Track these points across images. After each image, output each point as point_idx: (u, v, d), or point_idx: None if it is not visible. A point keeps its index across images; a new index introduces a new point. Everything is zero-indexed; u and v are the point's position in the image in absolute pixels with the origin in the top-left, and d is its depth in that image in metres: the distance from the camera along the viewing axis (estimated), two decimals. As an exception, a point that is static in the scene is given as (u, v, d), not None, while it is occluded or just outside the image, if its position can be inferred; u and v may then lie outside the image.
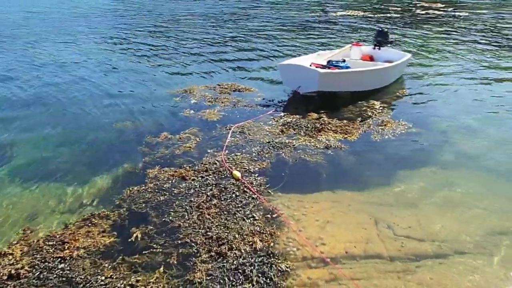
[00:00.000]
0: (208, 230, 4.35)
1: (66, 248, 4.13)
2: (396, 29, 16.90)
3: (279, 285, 3.78)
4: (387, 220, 4.79)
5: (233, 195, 5.02)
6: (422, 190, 5.51)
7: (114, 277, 3.85)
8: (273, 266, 3.98)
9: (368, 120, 7.58)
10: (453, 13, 21.24)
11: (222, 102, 8.47)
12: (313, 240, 4.38)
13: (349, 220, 4.76)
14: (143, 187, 5.31)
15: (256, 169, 5.83)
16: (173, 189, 5.23)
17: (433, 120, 7.80)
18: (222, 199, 4.94)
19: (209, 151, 6.36)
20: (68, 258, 4.08)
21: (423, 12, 21.24)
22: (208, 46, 14.48)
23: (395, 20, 19.09)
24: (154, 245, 4.23)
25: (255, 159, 6.12)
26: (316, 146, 6.56)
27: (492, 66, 11.62)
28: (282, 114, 7.85)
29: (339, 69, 8.87)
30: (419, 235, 4.56)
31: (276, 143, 6.60)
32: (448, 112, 8.16)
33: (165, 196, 5.07)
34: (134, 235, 4.38)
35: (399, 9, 22.20)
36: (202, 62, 12.29)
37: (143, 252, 4.17)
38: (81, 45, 14.92)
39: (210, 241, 4.21)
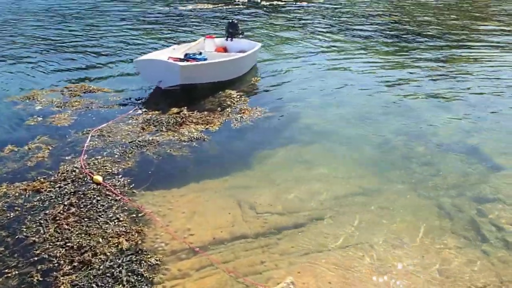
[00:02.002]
0: (67, 240, 4.14)
1: None
2: (246, 20, 17.64)
3: (150, 279, 3.80)
4: (249, 201, 5.08)
5: (94, 201, 4.83)
6: (280, 168, 5.97)
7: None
8: (143, 262, 3.97)
9: (228, 109, 7.87)
10: (297, 3, 22.90)
11: (73, 106, 7.90)
12: (181, 232, 4.46)
13: (214, 207, 4.94)
14: (-12, 209, 4.79)
15: (120, 170, 5.68)
16: (25, 204, 4.83)
17: (287, 103, 8.42)
18: (82, 206, 4.72)
19: (66, 158, 5.98)
20: None
21: (269, 3, 22.47)
22: (52, 46, 13.23)
23: (244, 11, 19.86)
24: (7, 269, 3.88)
25: (118, 160, 5.94)
26: (180, 140, 6.61)
27: (335, 51, 12.89)
28: (142, 111, 7.71)
29: (197, 61, 9.00)
30: (279, 210, 4.94)
31: (139, 141, 6.49)
32: (299, 95, 8.87)
33: (16, 213, 4.66)
34: (-19, 263, 3.95)
35: (247, 1, 23.16)
36: (45, 64, 11.11)
37: (-5, 279, 3.80)
38: None
39: (71, 251, 4.01)
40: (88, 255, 3.92)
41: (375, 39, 14.80)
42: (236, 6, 21.29)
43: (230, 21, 11.51)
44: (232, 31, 11.06)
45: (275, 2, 22.72)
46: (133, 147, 6.32)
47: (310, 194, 5.29)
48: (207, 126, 7.16)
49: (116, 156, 6.06)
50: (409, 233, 4.60)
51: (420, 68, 11.04)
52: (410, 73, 10.58)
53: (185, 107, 7.86)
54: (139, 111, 7.71)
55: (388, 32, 16.15)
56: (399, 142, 6.77)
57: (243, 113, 7.71)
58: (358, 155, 6.40)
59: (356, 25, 17.27)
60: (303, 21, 17.82)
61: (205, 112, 7.73)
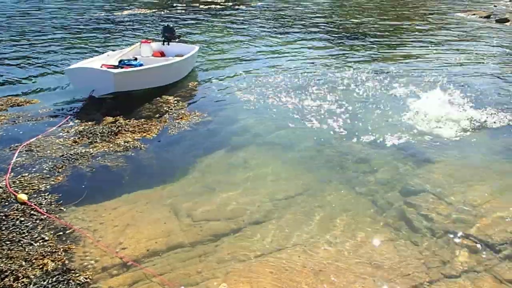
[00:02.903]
0: (-14, 267, 3.86)
1: None
2: (184, 24, 17.47)
3: (80, 299, 3.63)
4: (186, 209, 4.99)
5: (17, 222, 4.54)
6: (218, 173, 5.91)
7: None
8: (71, 282, 3.77)
9: (165, 116, 7.71)
10: (234, 6, 22.95)
11: (-2, 121, 7.42)
12: (113, 246, 4.29)
13: (149, 218, 4.81)
14: None
15: (48, 187, 5.38)
16: None
17: (225, 106, 8.39)
18: (3, 228, 4.42)
19: (-11, 177, 5.60)
20: None
21: (207, 7, 22.39)
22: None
23: (181, 15, 19.67)
24: None
25: (47, 176, 5.63)
26: (116, 150, 6.39)
27: (273, 53, 13.02)
28: (74, 123, 7.36)
29: (132, 67, 8.76)
30: (217, 216, 4.88)
31: (71, 155, 6.19)
32: (238, 98, 8.85)
33: None
34: None
35: (184, 5, 22.94)
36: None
37: None
38: None
39: (-10, 277, 3.75)
40: (9, 280, 3.67)
41: (311, 40, 15.12)
42: (174, 10, 21.02)
43: (166, 25, 11.32)
44: (169, 35, 10.88)
45: (213, 6, 22.67)
46: (64, 161, 6.02)
47: (248, 198, 5.27)
48: (144, 134, 6.98)
49: (45, 172, 5.74)
50: (344, 230, 4.69)
51: (355, 68, 11.38)
52: (346, 72, 10.85)
53: (121, 116, 7.62)
54: (71, 123, 7.37)
55: (324, 33, 16.55)
56: (334, 141, 6.91)
57: (181, 118, 7.58)
58: (295, 155, 6.47)
59: (293, 27, 17.58)
60: (241, 24, 17.91)
61: (142, 120, 7.52)
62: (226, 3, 23.70)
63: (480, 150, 6.62)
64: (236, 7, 22.67)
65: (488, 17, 20.82)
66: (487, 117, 7.77)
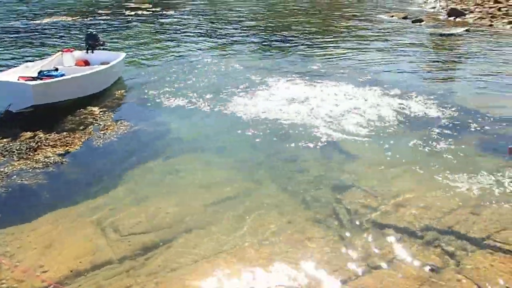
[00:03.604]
0: None
1: None
2: (108, 30, 16.89)
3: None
4: (114, 223, 4.79)
5: None
6: (148, 184, 5.75)
7: None
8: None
9: (90, 127, 7.37)
10: (162, 11, 22.59)
11: None
12: (32, 270, 4.01)
13: (73, 236, 4.56)
14: None
15: (-44, 213, 4.94)
16: None
17: (155, 114, 8.19)
18: None
19: None
20: None
21: (133, 13, 21.84)
22: None
23: (106, 22, 18.97)
24: None
25: (-44, 201, 5.18)
26: (34, 167, 6.00)
27: (203, 58, 12.91)
28: (-13, 141, 6.85)
29: (53, 78, 8.29)
30: (146, 228, 4.73)
31: (-17, 176, 5.74)
32: (167, 105, 8.65)
33: None
34: None
35: (109, 11, 22.19)
36: None
37: None
38: None
39: None
40: None
41: (242, 43, 15.22)
42: (98, 17, 20.22)
43: (89, 32, 10.87)
44: (92, 43, 10.44)
45: (140, 12, 22.13)
46: (-25, 183, 5.56)
47: (179, 207, 5.16)
48: (66, 148, 6.63)
49: (-46, 196, 5.28)
50: (277, 231, 4.72)
51: (285, 69, 11.57)
52: (274, 73, 11.00)
53: (40, 130, 7.18)
54: (-16, 141, 6.84)
55: (253, 36, 16.72)
56: (264, 143, 6.96)
57: (107, 129, 7.29)
58: (226, 159, 6.45)
59: (222, 31, 17.57)
60: (169, 29, 17.62)
61: (64, 133, 7.14)
62: (154, 9, 23.23)
63: (402, 142, 6.95)
64: (164, 12, 22.28)
65: (405, 18, 22.11)
66: (406, 110, 8.21)
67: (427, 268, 4.10)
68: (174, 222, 4.87)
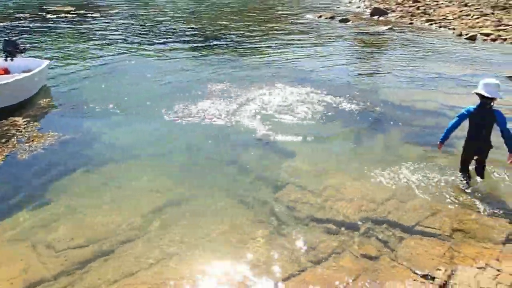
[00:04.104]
0: None
1: None
2: (29, 36, 15.93)
3: None
4: (46, 240, 4.54)
5: None
6: (81, 195, 5.47)
7: None
8: None
9: (13, 140, 6.90)
10: (87, 14, 21.72)
11: None
12: (-44, 298, 3.70)
13: (1, 257, 4.25)
14: None
15: None
16: None
17: (84, 123, 7.81)
18: None
19: None
20: None
21: (55, 16, 20.79)
22: None
23: (27, 26, 17.90)
24: None
25: None
26: (-48, 186, 5.53)
27: (134, 61, 12.58)
28: None
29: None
30: (82, 242, 4.53)
31: None
32: (97, 112, 8.33)
33: None
34: None
35: (30, 15, 20.90)
36: None
37: None
38: None
39: None
40: None
41: (174, 46, 14.99)
42: (17, 21, 19.00)
43: (6, 38, 10.16)
44: (11, 50, 9.76)
45: (63, 15, 21.09)
46: None
47: (116, 217, 4.99)
48: (-14, 164, 6.16)
49: None
50: (218, 234, 4.71)
51: (216, 71, 11.57)
52: (212, 77, 10.97)
53: (-44, 146, 6.63)
54: None
55: (187, 38, 16.55)
56: (202, 146, 6.91)
57: (33, 141, 6.87)
58: (164, 165, 6.32)
59: (153, 34, 17.27)
60: (96, 34, 16.96)
61: (-16, 148, 6.64)
62: (78, 11, 22.23)
63: (334, 138, 7.22)
64: (90, 15, 21.43)
65: (332, 18, 22.94)
66: (337, 107, 8.53)
67: (364, 258, 4.29)
68: (112, 233, 4.69)
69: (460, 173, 5.76)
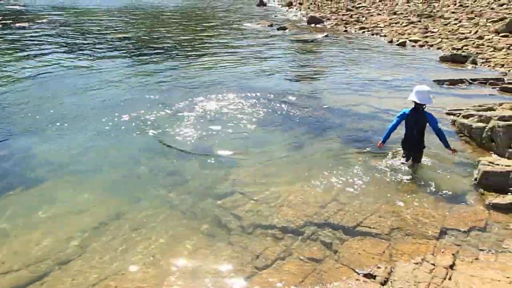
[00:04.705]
0: None
1: None
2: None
3: None
4: (-26, 266, 4.21)
5: None
6: (13, 217, 5.13)
7: None
8: None
9: None
10: (14, 24, 20.62)
11: None
12: None
13: None
14: None
15: None
16: None
17: (12, 140, 7.32)
18: None
19: None
20: None
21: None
22: None
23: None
24: None
25: None
26: None
27: (68, 72, 12.08)
28: None
29: None
30: (15, 266, 4.26)
31: None
32: (29, 125, 7.89)
33: None
34: None
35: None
36: None
37: None
38: None
39: None
40: None
41: (108, 57, 14.57)
42: None
43: None
44: None
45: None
46: None
47: (53, 237, 4.73)
48: None
49: None
50: (162, 248, 4.59)
51: (156, 81, 11.38)
52: (150, 89, 10.75)
53: None
54: None
55: (122, 49, 16.15)
56: (143, 159, 6.74)
57: (-43, 160, 6.38)
58: (102, 180, 6.09)
59: (86, 43, 16.74)
60: (24, 45, 16.12)
61: None
62: (4, 21, 21.02)
63: (276, 145, 7.30)
64: (17, 25, 20.33)
65: (271, 26, 23.38)
66: (278, 114, 8.67)
67: (309, 261, 4.36)
68: (48, 255, 4.44)
69: (401, 163, 6.41)
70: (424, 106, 5.93)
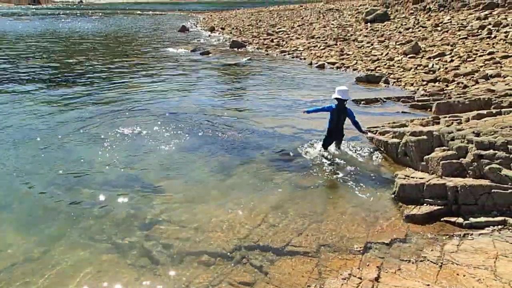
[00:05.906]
0: None
1: None
2: None
3: None
4: None
5: None
6: None
7: None
8: None
9: None
10: None
11: None
12: None
13: None
14: None
15: None
16: None
17: None
18: None
19: None
20: None
21: None
22: None
23: None
24: None
25: None
26: None
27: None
28: None
29: None
30: None
31: None
32: None
33: None
34: None
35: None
36: None
37: None
38: None
39: None
40: None
41: (28, 83, 13.71)
42: None
43: None
44: None
45: None
46: None
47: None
48: None
49: None
50: (90, 284, 4.30)
51: (82, 108, 10.88)
52: (72, 116, 10.24)
53: None
54: None
55: (42, 75, 15.29)
56: (59, 192, 6.33)
57: None
58: (13, 217, 5.62)
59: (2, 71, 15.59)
60: None
61: None
62: None
63: (202, 170, 7.21)
64: None
65: (194, 50, 23.43)
66: (203, 138, 8.61)
67: (241, 285, 4.29)
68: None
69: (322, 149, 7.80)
70: (345, 103, 7.41)
